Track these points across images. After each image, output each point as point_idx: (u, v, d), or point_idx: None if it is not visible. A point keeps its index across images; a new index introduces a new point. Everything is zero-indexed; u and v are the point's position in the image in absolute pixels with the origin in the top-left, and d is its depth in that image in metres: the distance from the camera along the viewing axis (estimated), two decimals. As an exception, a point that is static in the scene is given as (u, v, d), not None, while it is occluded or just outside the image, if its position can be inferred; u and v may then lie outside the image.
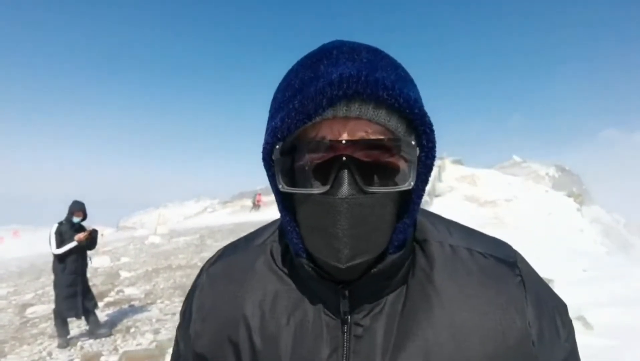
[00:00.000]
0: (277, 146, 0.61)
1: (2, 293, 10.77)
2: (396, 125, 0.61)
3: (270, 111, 0.68)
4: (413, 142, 0.61)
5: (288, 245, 0.73)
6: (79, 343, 6.51)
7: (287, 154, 0.62)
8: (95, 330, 6.73)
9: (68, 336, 6.53)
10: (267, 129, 0.64)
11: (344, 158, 0.58)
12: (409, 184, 0.62)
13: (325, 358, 0.67)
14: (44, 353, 6.26)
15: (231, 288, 0.76)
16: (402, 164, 0.61)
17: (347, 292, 0.66)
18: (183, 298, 0.89)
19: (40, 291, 10.46)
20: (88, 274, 6.92)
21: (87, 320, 6.73)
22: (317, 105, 0.57)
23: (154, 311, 8.09)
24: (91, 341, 6.59)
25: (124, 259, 14.78)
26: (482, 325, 0.66)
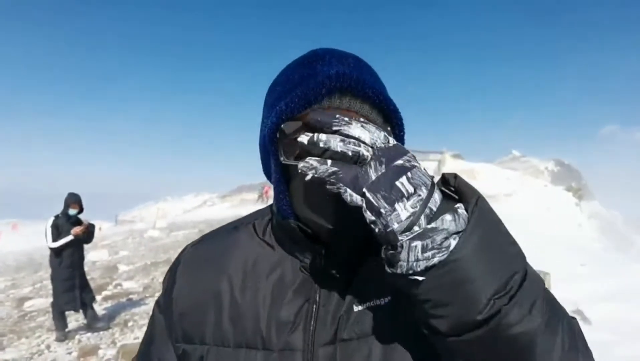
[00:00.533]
0: (282, 126, 0.71)
1: (0, 286, 10.79)
2: (375, 117, 0.74)
3: (266, 102, 0.79)
4: (389, 129, 0.75)
5: (270, 219, 0.86)
6: (77, 337, 6.52)
7: (289, 132, 0.70)
8: (93, 323, 6.73)
9: (66, 330, 6.54)
10: (269, 114, 0.75)
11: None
12: None
13: (299, 307, 0.77)
14: (42, 346, 6.26)
15: (214, 255, 0.85)
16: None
17: (323, 250, 0.76)
18: None
19: (38, 285, 10.48)
20: (85, 268, 6.92)
21: (84, 313, 6.73)
22: (317, 94, 0.69)
23: (151, 305, 7.96)
24: (89, 334, 6.59)
25: (122, 253, 14.81)
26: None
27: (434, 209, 0.55)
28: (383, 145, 0.58)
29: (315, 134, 0.59)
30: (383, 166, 0.57)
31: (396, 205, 0.54)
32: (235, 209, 35.69)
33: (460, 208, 0.56)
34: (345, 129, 0.58)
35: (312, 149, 0.60)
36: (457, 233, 0.54)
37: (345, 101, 0.70)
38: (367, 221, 0.57)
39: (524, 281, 0.55)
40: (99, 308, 7.62)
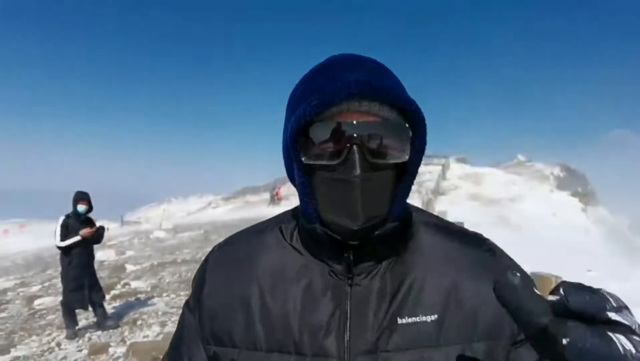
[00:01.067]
0: (307, 127, 0.74)
1: (10, 285, 10.89)
2: (396, 119, 0.76)
3: (287, 108, 0.82)
4: (406, 125, 0.76)
5: (296, 224, 0.88)
6: (87, 335, 6.61)
7: (310, 134, 0.74)
8: (103, 322, 6.82)
9: (76, 328, 6.62)
10: (290, 119, 0.76)
11: (354, 135, 0.72)
12: (404, 157, 0.76)
13: (330, 313, 0.78)
14: (53, 344, 6.35)
15: (243, 257, 0.86)
16: (399, 143, 0.75)
17: (351, 256, 0.78)
18: (189, 292, 0.93)
19: (47, 283, 10.57)
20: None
21: (94, 312, 6.82)
22: (337, 98, 0.71)
23: (160, 305, 8.17)
24: (99, 332, 6.68)
25: (129, 253, 14.90)
26: (461, 279, 0.80)
27: None
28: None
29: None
30: None
31: None
32: (239, 212, 35.71)
33: None
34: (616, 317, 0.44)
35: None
36: None
37: (364, 105, 0.73)
38: None
39: None
40: (108, 306, 7.70)
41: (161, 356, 0.93)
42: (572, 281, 0.53)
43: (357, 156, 0.71)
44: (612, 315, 0.44)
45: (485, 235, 0.91)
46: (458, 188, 28.49)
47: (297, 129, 0.74)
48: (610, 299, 0.45)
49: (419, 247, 0.83)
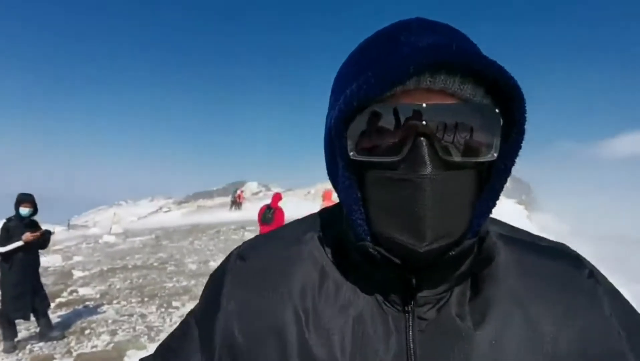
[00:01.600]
0: (355, 113, 0.57)
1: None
2: (481, 100, 0.58)
3: (334, 89, 0.66)
4: (497, 110, 0.57)
5: (336, 236, 0.70)
6: (28, 347, 6.23)
7: (362, 121, 0.58)
8: (47, 332, 6.45)
9: (15, 339, 6.23)
10: (338, 99, 0.60)
11: (423, 122, 0.55)
12: (492, 155, 0.58)
13: (390, 354, 0.62)
14: (-11, 357, 5.96)
15: (272, 277, 0.69)
16: (485, 134, 0.58)
17: (413, 280, 0.61)
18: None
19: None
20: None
21: (37, 321, 6.43)
22: (402, 72, 0.53)
23: (109, 312, 7.84)
24: (42, 344, 6.31)
25: (77, 258, 14.24)
26: (558, 320, 0.62)
27: None
28: None
29: None
30: None
31: None
32: (192, 216, 34.96)
33: None
34: None
35: None
36: None
37: (439, 80, 0.55)
38: None
39: None
40: (53, 315, 7.30)
41: None
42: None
43: (426, 150, 0.55)
44: None
45: None
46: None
47: (346, 114, 0.57)
48: None
49: (500, 271, 0.65)
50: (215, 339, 0.68)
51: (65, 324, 7.18)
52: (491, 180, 0.61)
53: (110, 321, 7.36)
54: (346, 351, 0.62)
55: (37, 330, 6.54)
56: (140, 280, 10.26)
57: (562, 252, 0.71)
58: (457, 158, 0.56)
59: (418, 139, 0.55)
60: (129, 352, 5.87)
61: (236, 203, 34.61)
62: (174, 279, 10.42)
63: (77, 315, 7.72)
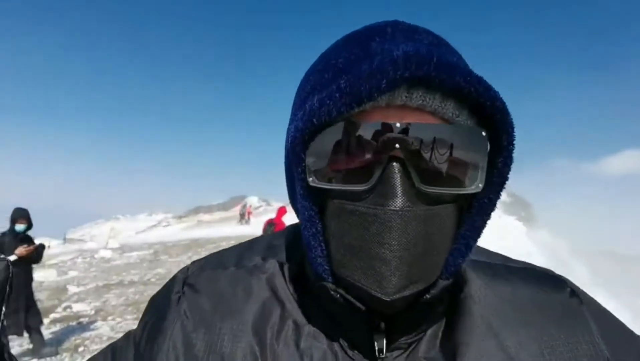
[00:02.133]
0: (316, 132, 0.49)
1: None
2: (465, 121, 0.50)
3: (295, 101, 0.57)
4: (484, 134, 0.49)
5: (300, 264, 0.63)
6: (21, 363, 6.15)
7: (324, 142, 0.49)
8: (40, 348, 6.34)
9: (9, 355, 6.14)
10: (296, 114, 0.53)
11: (396, 145, 0.47)
12: (477, 187, 0.50)
13: None
14: (-19, 374, 5.85)
15: (224, 312, 0.60)
16: (469, 161, 0.50)
17: (382, 325, 0.54)
18: (136, 316, 0.75)
19: (-23, 307, 9.78)
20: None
21: (30, 338, 6.34)
22: (373, 87, 0.45)
23: (104, 329, 7.73)
24: (35, 360, 6.22)
25: (72, 273, 14.09)
26: (540, 350, 0.55)
27: None
28: None
29: None
30: None
31: None
32: (192, 231, 34.85)
33: None
34: None
35: None
36: None
37: (417, 97, 0.47)
38: None
39: None
40: (46, 331, 7.19)
41: None
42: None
43: (398, 178, 0.47)
44: None
45: None
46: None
47: (304, 133, 0.49)
48: None
49: (471, 302, 0.58)
50: None
51: (59, 340, 7.07)
52: (473, 215, 0.53)
53: (105, 338, 7.25)
54: None
55: (30, 346, 6.44)
56: (137, 296, 10.15)
57: (538, 273, 0.65)
58: (435, 189, 0.48)
59: (390, 164, 0.47)
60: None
61: (244, 217, 34.93)
62: (171, 295, 10.26)
63: (71, 331, 7.61)
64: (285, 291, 0.62)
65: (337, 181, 0.50)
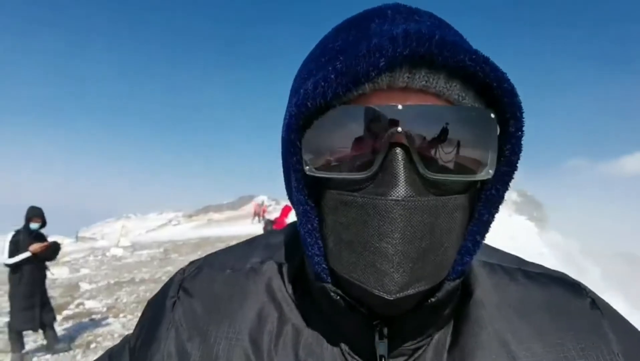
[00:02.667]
0: (310, 119, 0.46)
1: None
2: (472, 103, 0.47)
3: (294, 84, 0.53)
4: (492, 116, 0.46)
5: (300, 265, 0.60)
6: (35, 359, 6.22)
7: (321, 128, 0.46)
8: (53, 344, 6.44)
9: (23, 351, 6.23)
10: (291, 101, 0.49)
11: (398, 129, 0.43)
12: (487, 173, 0.46)
13: None
14: (-4, 369, 5.96)
15: (220, 316, 0.58)
16: (478, 146, 0.47)
17: (385, 330, 0.51)
18: None
19: (-9, 303, 9.95)
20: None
21: (44, 334, 6.43)
22: (371, 65, 0.41)
23: (116, 326, 7.82)
24: (48, 356, 6.30)
25: (84, 271, 14.27)
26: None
27: None
28: None
29: None
30: None
31: None
32: (202, 230, 35.06)
33: None
34: None
35: None
36: None
37: (420, 77, 0.43)
38: None
39: None
40: (59, 328, 7.30)
41: None
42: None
43: (401, 166, 0.43)
44: None
45: None
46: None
47: (298, 119, 0.46)
48: None
49: (481, 308, 0.54)
50: None
51: (72, 337, 7.17)
52: (480, 209, 0.49)
53: (116, 335, 7.33)
54: None
55: (44, 342, 6.54)
56: (147, 294, 10.23)
57: (556, 280, 0.60)
58: (442, 176, 0.44)
59: (392, 150, 0.43)
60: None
61: (260, 216, 34.84)
62: (181, 293, 10.34)
63: (83, 328, 7.71)
64: (284, 293, 0.59)
65: (334, 169, 0.46)
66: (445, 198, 0.45)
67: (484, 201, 0.49)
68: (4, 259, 6.04)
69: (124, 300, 9.83)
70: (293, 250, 0.62)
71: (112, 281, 12.07)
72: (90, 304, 9.47)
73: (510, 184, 0.48)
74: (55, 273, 12.67)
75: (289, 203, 0.60)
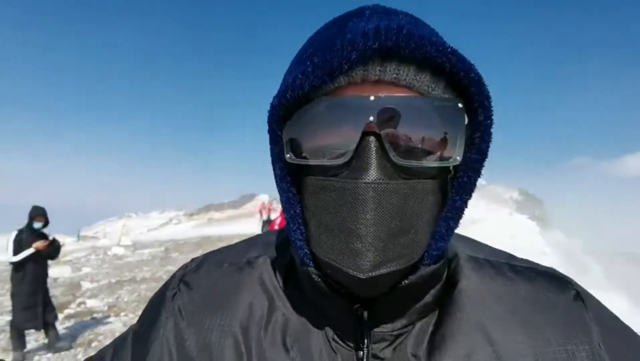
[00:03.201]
0: (291, 110, 0.50)
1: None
2: (441, 93, 0.49)
3: (284, 78, 0.56)
4: (460, 105, 0.48)
5: (291, 258, 0.62)
6: (36, 358, 6.23)
7: (299, 119, 0.49)
8: (55, 343, 6.46)
9: (25, 350, 6.24)
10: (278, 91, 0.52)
11: (371, 118, 0.46)
12: (454, 160, 0.49)
13: None
14: (-2, 368, 5.97)
15: (214, 308, 0.62)
16: (447, 133, 0.49)
17: (365, 313, 0.53)
18: None
19: (-7, 302, 9.97)
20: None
21: (46, 332, 6.45)
22: (344, 59, 0.45)
23: (117, 325, 7.84)
24: (50, 355, 6.31)
25: (85, 270, 14.29)
26: (534, 355, 0.53)
27: None
28: None
29: None
30: None
31: None
32: (203, 229, 35.13)
33: None
34: None
35: None
36: None
37: (391, 70, 0.47)
38: None
39: None
40: (61, 327, 7.32)
41: None
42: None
43: (373, 152, 0.46)
44: None
45: None
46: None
47: (281, 109, 0.50)
48: None
49: (465, 300, 0.56)
50: None
51: (73, 335, 7.18)
52: (452, 196, 0.52)
53: (117, 333, 7.28)
54: None
55: (46, 341, 6.55)
56: (149, 293, 10.24)
57: (543, 274, 0.61)
58: (412, 162, 0.47)
59: (365, 138, 0.46)
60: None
61: (267, 214, 34.76)
62: (182, 292, 10.34)
63: (84, 327, 7.72)
64: (274, 285, 0.63)
65: (313, 157, 0.50)
66: (414, 182, 0.48)
67: (457, 187, 0.52)
68: (9, 257, 6.06)
69: (125, 299, 9.85)
70: (285, 246, 0.66)
71: (113, 280, 12.09)
72: (91, 303, 9.49)
73: (482, 171, 0.51)
74: (57, 272, 12.73)
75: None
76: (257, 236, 0.75)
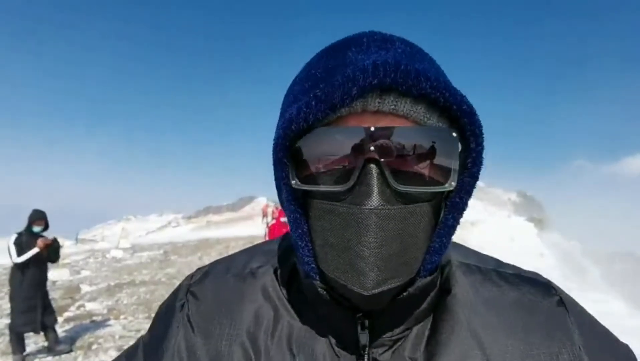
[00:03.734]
0: (295, 139, 0.53)
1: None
2: (436, 123, 0.53)
3: (282, 106, 0.60)
4: (454, 135, 0.52)
5: (293, 268, 0.66)
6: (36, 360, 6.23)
7: (304, 148, 0.53)
8: (54, 346, 6.45)
9: (24, 353, 6.23)
10: (279, 122, 0.56)
11: (371, 147, 0.50)
12: (449, 185, 0.53)
13: None
14: (-3, 371, 5.95)
15: (221, 318, 0.65)
16: (442, 161, 0.53)
17: (367, 322, 0.57)
18: (148, 315, 0.78)
19: (-8, 305, 9.94)
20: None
21: (45, 335, 6.44)
22: (345, 94, 0.48)
23: (117, 328, 7.83)
24: (49, 358, 6.32)
25: (84, 273, 14.27)
26: (523, 356, 0.58)
27: None
28: None
29: None
30: None
31: None
32: (202, 231, 35.10)
33: None
34: None
35: None
36: None
37: (389, 102, 0.50)
38: None
39: None
40: (60, 330, 7.30)
41: None
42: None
43: (374, 179, 0.49)
44: None
45: None
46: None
47: (287, 139, 0.53)
48: None
49: (457, 305, 0.61)
50: None
51: (73, 338, 7.18)
52: (446, 215, 0.56)
53: (117, 336, 7.34)
54: None
55: (45, 344, 6.54)
56: (148, 295, 10.25)
57: (527, 280, 0.66)
58: (410, 188, 0.51)
59: (366, 166, 0.50)
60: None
61: (271, 217, 34.54)
62: (181, 294, 10.32)
63: (84, 330, 7.72)
64: (278, 294, 0.67)
65: (318, 183, 0.53)
66: (413, 206, 0.52)
67: (450, 208, 0.56)
68: (13, 258, 6.05)
69: (125, 302, 9.84)
70: (287, 256, 0.70)
71: (112, 283, 12.08)
72: (90, 306, 9.48)
73: (473, 192, 0.56)
74: (56, 275, 12.70)
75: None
76: (256, 246, 0.79)
